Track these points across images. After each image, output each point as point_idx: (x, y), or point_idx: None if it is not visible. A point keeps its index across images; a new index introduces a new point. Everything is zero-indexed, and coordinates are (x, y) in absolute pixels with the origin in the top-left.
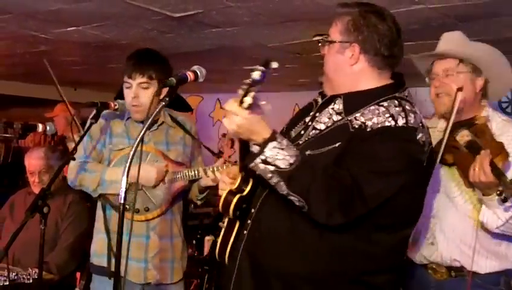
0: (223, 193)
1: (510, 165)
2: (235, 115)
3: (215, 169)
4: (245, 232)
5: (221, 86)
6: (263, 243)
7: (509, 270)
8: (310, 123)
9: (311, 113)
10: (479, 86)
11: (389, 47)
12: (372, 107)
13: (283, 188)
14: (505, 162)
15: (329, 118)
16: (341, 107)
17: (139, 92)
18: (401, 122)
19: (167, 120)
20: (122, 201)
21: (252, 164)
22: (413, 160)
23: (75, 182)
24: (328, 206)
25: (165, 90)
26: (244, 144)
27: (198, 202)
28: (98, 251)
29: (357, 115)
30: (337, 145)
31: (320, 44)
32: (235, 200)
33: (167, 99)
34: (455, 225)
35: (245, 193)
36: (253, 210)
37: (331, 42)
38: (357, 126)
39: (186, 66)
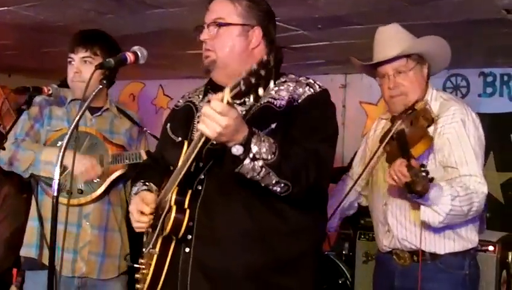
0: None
1: (429, 151)
2: (222, 116)
3: None
4: (187, 250)
5: (164, 71)
6: (222, 250)
7: (471, 250)
8: None
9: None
10: (425, 73)
11: (275, 30)
12: (282, 87)
13: (272, 178)
14: (427, 147)
15: None
16: None
17: (82, 67)
18: (317, 88)
19: (113, 109)
20: (55, 193)
21: (240, 166)
22: (335, 119)
23: (5, 159)
24: (309, 182)
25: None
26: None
27: None
28: (27, 240)
29: (269, 97)
30: (273, 126)
31: (208, 26)
32: (186, 218)
33: (105, 82)
34: (402, 208)
35: (186, 206)
36: (191, 223)
37: (233, 24)
38: (283, 105)
39: (127, 50)
